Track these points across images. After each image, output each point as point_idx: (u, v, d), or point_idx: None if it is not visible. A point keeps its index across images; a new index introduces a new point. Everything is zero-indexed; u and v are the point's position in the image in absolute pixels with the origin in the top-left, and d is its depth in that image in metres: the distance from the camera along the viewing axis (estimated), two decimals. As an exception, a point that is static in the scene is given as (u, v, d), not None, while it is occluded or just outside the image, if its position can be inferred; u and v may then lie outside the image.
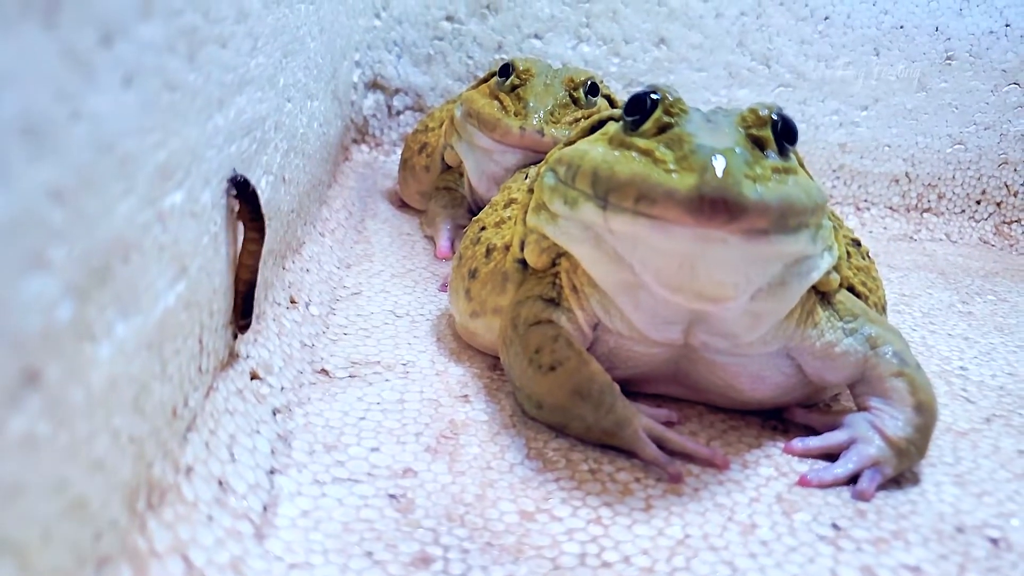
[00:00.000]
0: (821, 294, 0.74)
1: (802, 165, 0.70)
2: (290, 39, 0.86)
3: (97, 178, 0.38)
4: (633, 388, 0.78)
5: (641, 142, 0.62)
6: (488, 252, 0.84)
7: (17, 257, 0.32)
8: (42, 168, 0.33)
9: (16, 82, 0.31)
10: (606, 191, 0.62)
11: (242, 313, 0.68)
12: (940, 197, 1.65)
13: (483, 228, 0.87)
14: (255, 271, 0.68)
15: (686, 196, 0.57)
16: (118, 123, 0.40)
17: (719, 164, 0.57)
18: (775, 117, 0.64)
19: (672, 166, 0.59)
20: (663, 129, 0.62)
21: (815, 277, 0.69)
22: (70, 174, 0.35)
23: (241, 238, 0.66)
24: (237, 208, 0.64)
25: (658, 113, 0.63)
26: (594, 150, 0.66)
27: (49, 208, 0.34)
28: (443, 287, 1.04)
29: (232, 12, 0.61)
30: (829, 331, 0.73)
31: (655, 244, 0.61)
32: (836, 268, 0.74)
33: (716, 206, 0.56)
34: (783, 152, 0.64)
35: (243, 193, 0.64)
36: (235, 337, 0.69)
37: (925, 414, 0.71)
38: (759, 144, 0.63)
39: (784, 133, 0.64)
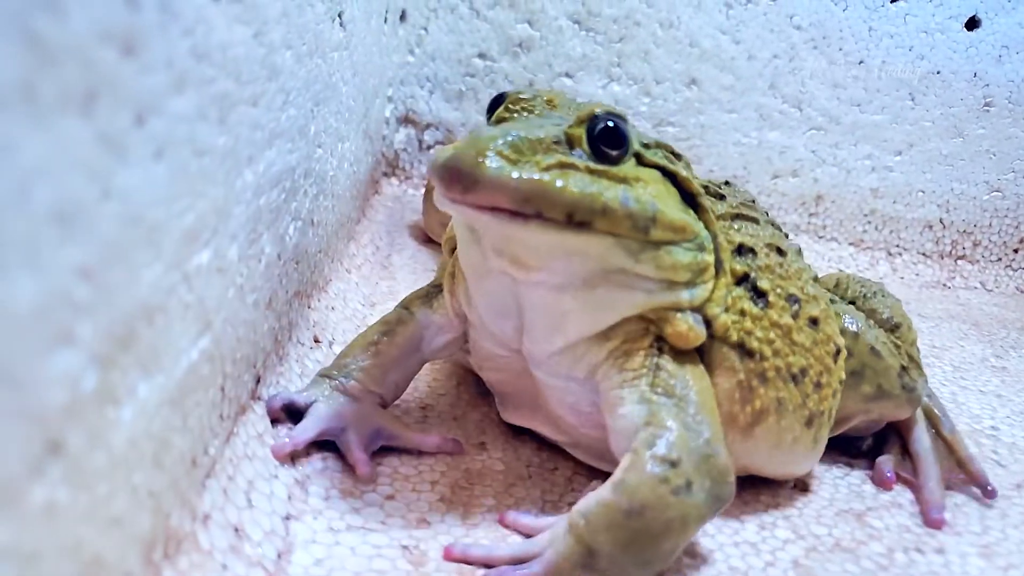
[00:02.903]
0: (660, 346, 0.65)
1: (694, 194, 0.65)
2: (322, 87, 0.88)
3: (124, 251, 0.39)
4: (515, 421, 0.78)
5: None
6: None
7: (45, 337, 0.33)
8: (72, 249, 0.34)
9: (51, 172, 0.32)
10: None
11: None
12: (975, 244, 1.62)
13: None
14: None
15: (435, 166, 0.57)
16: (147, 195, 0.41)
17: (475, 142, 0.57)
18: (598, 115, 0.60)
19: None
20: (499, 123, 0.64)
21: (638, 302, 0.63)
22: (98, 251, 0.36)
23: None
24: None
25: (500, 109, 0.66)
26: None
27: (77, 286, 0.35)
28: (465, 327, 1.05)
29: (264, 72, 0.62)
30: (629, 388, 0.63)
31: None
32: (710, 320, 0.65)
33: (452, 175, 0.56)
34: (601, 156, 0.60)
35: None
36: (257, 381, 0.70)
37: (633, 517, 0.57)
38: (571, 142, 0.60)
39: (603, 136, 0.60)
